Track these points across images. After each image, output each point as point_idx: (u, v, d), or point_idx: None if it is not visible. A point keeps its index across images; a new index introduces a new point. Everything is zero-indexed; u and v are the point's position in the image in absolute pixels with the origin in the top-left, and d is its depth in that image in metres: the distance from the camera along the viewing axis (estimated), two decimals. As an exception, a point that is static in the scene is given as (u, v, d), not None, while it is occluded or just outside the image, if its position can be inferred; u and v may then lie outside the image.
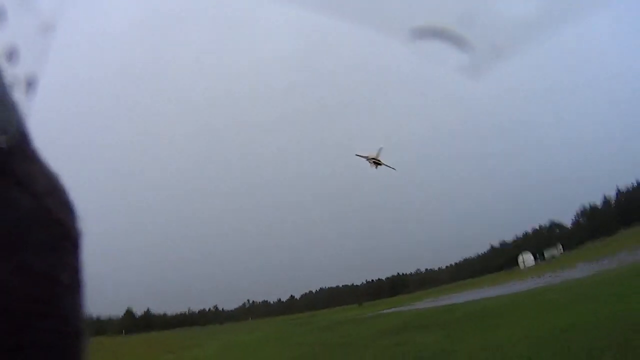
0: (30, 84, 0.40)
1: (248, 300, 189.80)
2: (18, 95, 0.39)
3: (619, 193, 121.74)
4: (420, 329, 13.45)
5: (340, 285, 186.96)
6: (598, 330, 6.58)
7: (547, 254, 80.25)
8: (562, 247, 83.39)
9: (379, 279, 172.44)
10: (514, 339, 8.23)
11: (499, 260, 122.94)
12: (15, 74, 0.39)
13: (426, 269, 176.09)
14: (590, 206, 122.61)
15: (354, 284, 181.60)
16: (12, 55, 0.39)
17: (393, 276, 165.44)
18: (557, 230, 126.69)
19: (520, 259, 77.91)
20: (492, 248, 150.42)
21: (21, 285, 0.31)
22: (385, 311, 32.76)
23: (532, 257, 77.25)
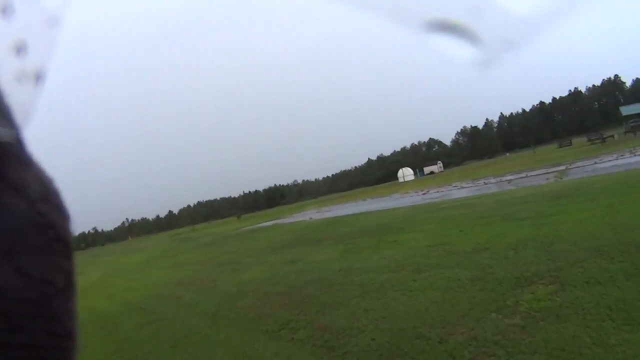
0: (39, 78, 0.40)
1: (127, 219, 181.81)
2: (26, 90, 0.39)
3: (502, 118, 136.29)
4: (312, 244, 12.69)
5: (218, 198, 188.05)
6: (518, 256, 5.85)
7: (426, 170, 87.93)
8: (442, 165, 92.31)
9: (256, 190, 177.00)
10: (421, 255, 7.56)
11: (377, 173, 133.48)
12: (23, 68, 0.38)
13: (303, 180, 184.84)
14: (471, 127, 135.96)
15: (232, 197, 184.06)
16: (20, 49, 0.38)
17: (270, 187, 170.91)
18: (436, 147, 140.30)
19: (400, 173, 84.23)
20: (370, 161, 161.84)
21: (15, 287, 0.31)
22: (265, 224, 32.08)
23: (411, 172, 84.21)
